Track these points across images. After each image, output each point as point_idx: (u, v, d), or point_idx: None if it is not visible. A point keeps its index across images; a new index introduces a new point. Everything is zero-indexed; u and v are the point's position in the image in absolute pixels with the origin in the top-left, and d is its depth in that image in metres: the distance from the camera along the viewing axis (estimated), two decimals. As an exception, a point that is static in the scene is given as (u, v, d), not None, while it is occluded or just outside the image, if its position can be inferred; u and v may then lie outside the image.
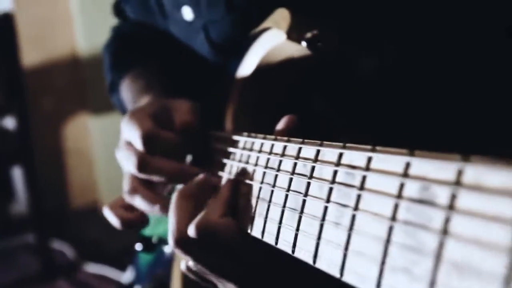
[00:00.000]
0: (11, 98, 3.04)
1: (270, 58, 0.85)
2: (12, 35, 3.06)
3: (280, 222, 0.61)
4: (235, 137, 0.81)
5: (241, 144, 0.78)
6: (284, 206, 0.61)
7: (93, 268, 3.19)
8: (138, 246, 1.08)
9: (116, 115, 3.75)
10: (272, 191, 0.65)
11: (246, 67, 0.89)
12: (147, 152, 0.89)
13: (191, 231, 0.69)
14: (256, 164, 0.71)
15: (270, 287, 0.72)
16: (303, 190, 0.58)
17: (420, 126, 0.73)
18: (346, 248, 0.48)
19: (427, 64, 0.74)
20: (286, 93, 0.88)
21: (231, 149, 0.82)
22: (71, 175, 3.84)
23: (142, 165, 0.88)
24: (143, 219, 0.94)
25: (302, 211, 0.58)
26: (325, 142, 0.57)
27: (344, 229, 0.49)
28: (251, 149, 0.74)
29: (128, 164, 0.91)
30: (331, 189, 0.53)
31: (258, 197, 0.67)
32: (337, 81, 0.82)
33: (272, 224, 0.63)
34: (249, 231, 0.67)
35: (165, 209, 0.88)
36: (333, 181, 0.53)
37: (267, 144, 0.69)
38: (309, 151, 0.60)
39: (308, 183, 0.58)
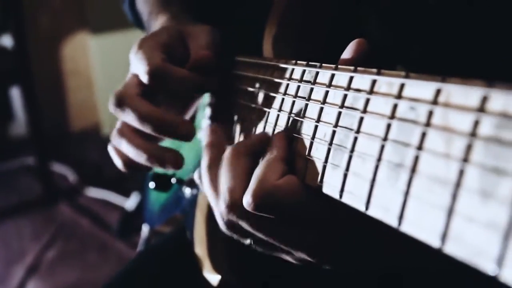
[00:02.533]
0: (7, 16, 2.91)
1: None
2: None
3: (347, 169, 0.50)
4: (279, 65, 0.69)
5: (287, 74, 0.67)
6: (352, 151, 0.50)
7: (94, 192, 3.15)
8: (152, 184, 0.98)
9: (117, 34, 3.69)
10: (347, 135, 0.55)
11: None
12: (154, 90, 0.79)
13: (248, 200, 0.57)
14: (309, 99, 0.60)
15: (344, 251, 0.61)
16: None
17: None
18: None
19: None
20: (337, 17, 0.78)
21: (273, 79, 0.70)
22: (70, 96, 3.75)
23: (121, 102, 0.78)
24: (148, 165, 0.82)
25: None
26: (383, 71, 0.49)
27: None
28: (300, 80, 0.63)
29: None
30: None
31: (330, 144, 0.53)
32: (396, 7, 0.73)
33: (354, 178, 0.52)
34: (311, 184, 0.56)
35: (153, 159, 0.78)
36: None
37: (325, 75, 0.58)
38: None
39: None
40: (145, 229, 1.31)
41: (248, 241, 0.65)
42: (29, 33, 3.23)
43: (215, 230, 0.88)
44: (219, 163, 0.66)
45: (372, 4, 0.77)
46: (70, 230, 2.81)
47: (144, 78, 0.78)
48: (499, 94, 0.35)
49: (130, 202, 2.84)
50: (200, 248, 0.89)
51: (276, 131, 0.66)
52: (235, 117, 0.82)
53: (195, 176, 0.72)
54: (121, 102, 0.78)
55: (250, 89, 0.76)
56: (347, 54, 0.58)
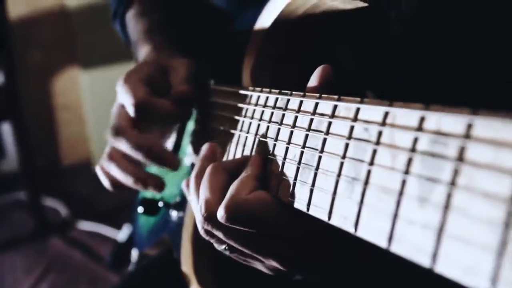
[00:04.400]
0: (-3, 52, 2.96)
1: (293, 8, 0.79)
2: (-3, -14, 2.94)
3: (313, 185, 0.55)
4: (255, 94, 0.75)
5: (261, 101, 0.73)
6: (316, 168, 0.55)
7: (86, 225, 3.16)
8: (140, 209, 1.04)
9: (107, 69, 3.74)
10: (302, 153, 0.60)
11: (267, 17, 0.83)
12: (138, 119, 0.90)
13: (220, 213, 0.62)
14: (281, 123, 0.65)
15: (312, 260, 0.66)
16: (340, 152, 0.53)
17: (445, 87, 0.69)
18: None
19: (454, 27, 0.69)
20: (311, 46, 0.84)
21: (247, 106, 0.77)
22: (62, 131, 3.79)
23: (117, 132, 0.90)
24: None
25: (339, 174, 0.53)
26: (342, 97, 0.54)
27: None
28: (274, 107, 0.68)
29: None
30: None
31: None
32: (367, 36, 0.78)
33: (310, 190, 0.57)
34: (283, 199, 0.61)
35: (138, 182, 0.90)
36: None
37: (295, 102, 0.63)
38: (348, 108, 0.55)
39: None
40: (134, 254, 1.35)
41: (222, 247, 0.71)
42: (20, 68, 3.27)
43: (200, 248, 0.93)
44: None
45: (345, 36, 0.82)
46: (62, 263, 2.82)
47: (130, 110, 0.89)
48: (433, 115, 0.40)
49: (122, 234, 2.85)
50: (186, 265, 0.93)
51: (252, 153, 0.71)
52: (216, 142, 0.88)
53: (183, 184, 0.78)
54: (118, 132, 0.89)
55: (231, 116, 0.82)
56: (313, 80, 0.64)
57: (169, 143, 1.08)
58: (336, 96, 0.55)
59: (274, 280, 0.73)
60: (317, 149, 0.55)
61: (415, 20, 0.71)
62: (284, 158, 0.62)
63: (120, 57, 3.30)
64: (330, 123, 0.54)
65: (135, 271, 1.17)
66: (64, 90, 3.72)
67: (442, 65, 0.71)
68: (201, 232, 0.70)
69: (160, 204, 1.02)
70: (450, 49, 0.70)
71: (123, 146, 0.90)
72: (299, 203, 0.57)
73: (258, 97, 0.73)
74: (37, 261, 2.83)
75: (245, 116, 0.76)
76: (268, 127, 0.68)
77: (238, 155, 0.76)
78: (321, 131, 0.55)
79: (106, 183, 0.94)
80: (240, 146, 0.76)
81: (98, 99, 3.61)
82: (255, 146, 0.71)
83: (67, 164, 3.85)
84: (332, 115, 0.54)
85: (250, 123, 0.74)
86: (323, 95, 0.57)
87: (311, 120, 0.58)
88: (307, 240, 0.63)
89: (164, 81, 0.94)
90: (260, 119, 0.71)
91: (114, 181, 0.93)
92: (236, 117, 0.79)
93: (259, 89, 0.74)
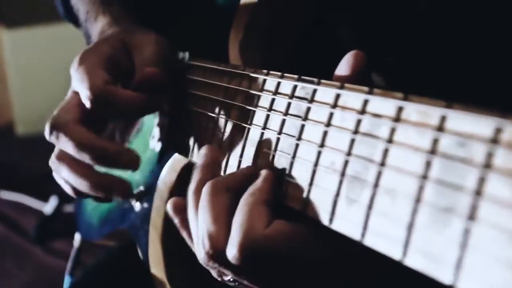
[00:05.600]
0: None
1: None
2: None
3: (370, 207, 0.43)
4: (260, 76, 0.62)
5: (270, 87, 0.60)
6: (376, 186, 0.43)
7: (9, 195, 2.94)
8: None
9: (33, 30, 3.50)
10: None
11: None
12: (95, 111, 0.72)
13: (234, 254, 0.50)
14: (306, 119, 0.52)
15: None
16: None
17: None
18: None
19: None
20: (307, 23, 0.74)
21: (250, 91, 0.63)
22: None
23: (55, 129, 0.72)
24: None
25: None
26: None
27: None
28: (291, 96, 0.56)
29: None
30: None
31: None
32: (369, 14, 0.70)
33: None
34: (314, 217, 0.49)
35: (97, 188, 0.73)
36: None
37: (328, 93, 0.51)
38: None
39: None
40: (77, 238, 1.21)
41: (226, 279, 0.58)
42: None
43: (173, 251, 0.81)
44: None
45: (343, 10, 0.73)
46: (-18, 236, 2.62)
47: (86, 103, 0.71)
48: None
49: (48, 206, 2.68)
50: (157, 269, 0.81)
51: (261, 157, 0.58)
52: (192, 126, 0.76)
53: (170, 206, 0.64)
54: (56, 128, 0.71)
55: (219, 98, 0.69)
56: (344, 68, 0.52)
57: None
58: (400, 94, 0.43)
59: None
60: (373, 160, 0.43)
61: None
62: (316, 165, 0.49)
63: (47, 17, 3.12)
64: (393, 129, 0.42)
65: (94, 268, 1.03)
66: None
67: (462, 48, 0.64)
68: (201, 262, 0.57)
69: None
70: (474, 30, 0.63)
71: (65, 145, 0.71)
72: (346, 226, 0.45)
73: (264, 80, 0.60)
74: (-46, 234, 2.62)
75: (245, 102, 0.63)
76: (283, 121, 0.55)
77: (236, 148, 0.63)
78: (377, 137, 0.43)
79: (67, 190, 0.76)
80: (238, 137, 0.63)
81: (21, 61, 3.38)
82: (261, 141, 0.58)
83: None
84: (397, 119, 0.42)
85: (254, 111, 0.61)
86: (375, 90, 0.46)
87: (359, 121, 0.46)
88: (338, 271, 0.53)
89: (128, 62, 0.77)
90: (270, 109, 0.58)
91: (73, 188, 0.75)
92: (231, 102, 0.66)
93: (264, 71, 0.61)
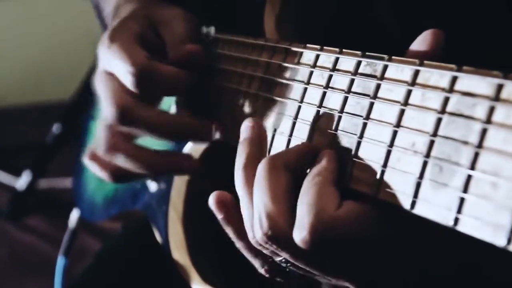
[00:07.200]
0: None
1: None
2: None
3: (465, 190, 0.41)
4: (309, 52, 0.59)
5: (325, 63, 0.57)
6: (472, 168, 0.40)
7: (-21, 170, 2.85)
8: None
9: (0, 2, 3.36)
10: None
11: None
12: (141, 93, 0.69)
13: (304, 237, 0.47)
14: (375, 97, 0.51)
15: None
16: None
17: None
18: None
19: None
20: None
21: (299, 67, 0.60)
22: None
23: (126, 117, 0.69)
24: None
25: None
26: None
27: None
28: (355, 73, 0.53)
29: (106, 109, 0.71)
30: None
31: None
32: None
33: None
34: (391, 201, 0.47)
35: (154, 166, 0.72)
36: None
37: (404, 70, 0.49)
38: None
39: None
40: (73, 218, 1.17)
41: (278, 259, 0.56)
42: None
43: (197, 233, 0.78)
44: (257, 164, 0.54)
45: None
46: (-47, 213, 2.54)
47: (129, 80, 0.68)
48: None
49: (21, 182, 2.60)
50: (180, 254, 0.78)
51: (317, 136, 0.55)
52: (222, 104, 0.73)
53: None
54: (126, 115, 0.69)
55: (259, 74, 0.66)
56: (421, 45, 0.50)
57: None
58: (497, 72, 0.41)
59: None
60: (465, 141, 0.41)
61: None
62: (391, 146, 0.47)
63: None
64: (492, 109, 0.40)
65: (107, 253, 0.99)
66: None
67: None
68: (253, 241, 0.55)
69: None
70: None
71: (139, 130, 0.70)
72: (434, 211, 0.43)
73: (317, 56, 0.58)
74: None
75: (294, 79, 0.60)
76: (346, 99, 0.53)
77: (283, 126, 0.60)
78: (471, 117, 0.41)
79: (106, 176, 0.74)
80: (285, 116, 0.60)
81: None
82: (317, 119, 0.56)
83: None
84: (497, 98, 0.40)
85: (305, 88, 0.58)
86: (465, 68, 0.43)
87: (446, 99, 0.43)
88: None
89: (156, 40, 0.75)
90: (327, 87, 0.55)
91: (119, 173, 0.73)
92: (275, 78, 0.63)
93: (317, 46, 0.59)
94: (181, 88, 0.73)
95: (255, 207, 0.52)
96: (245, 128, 0.59)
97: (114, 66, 0.69)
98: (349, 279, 0.52)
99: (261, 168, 0.53)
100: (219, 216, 0.59)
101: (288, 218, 0.50)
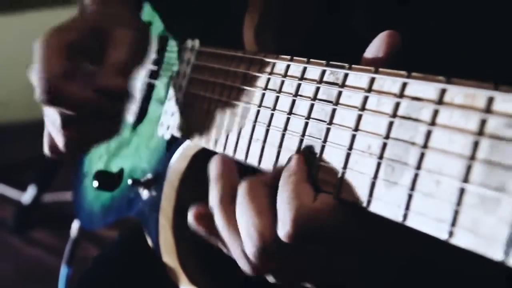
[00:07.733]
0: None
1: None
2: None
3: (412, 188, 0.44)
4: (280, 62, 0.63)
5: (295, 72, 0.61)
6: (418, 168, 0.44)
7: (-16, 185, 2.88)
8: (95, 183, 0.91)
9: None
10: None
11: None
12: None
13: (287, 231, 0.50)
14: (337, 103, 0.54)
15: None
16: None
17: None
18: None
19: None
20: (320, 9, 0.75)
21: (271, 77, 0.64)
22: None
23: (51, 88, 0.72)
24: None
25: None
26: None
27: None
28: (320, 81, 0.56)
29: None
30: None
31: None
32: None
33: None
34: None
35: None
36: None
37: (361, 78, 0.52)
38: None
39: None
40: (74, 228, 1.20)
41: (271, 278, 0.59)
42: None
43: (185, 239, 0.81)
44: (231, 197, 0.58)
45: None
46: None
47: (38, 95, 0.72)
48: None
49: (27, 196, 2.63)
50: (169, 257, 0.81)
51: (288, 142, 0.59)
52: (206, 114, 0.76)
53: (193, 216, 0.63)
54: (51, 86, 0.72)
55: (237, 85, 0.69)
56: (375, 50, 0.53)
57: (131, 110, 0.93)
58: (442, 78, 0.44)
59: None
60: (414, 143, 0.44)
61: None
62: (350, 149, 0.50)
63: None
64: (436, 111, 0.43)
65: (102, 259, 1.02)
66: None
67: (474, 34, 0.66)
68: (248, 269, 0.58)
69: (129, 181, 0.88)
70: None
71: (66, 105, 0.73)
72: (386, 208, 0.46)
73: (288, 66, 0.61)
74: None
75: (267, 88, 0.63)
76: (312, 106, 0.56)
77: (258, 134, 0.63)
78: (418, 120, 0.44)
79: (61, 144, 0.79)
80: (260, 123, 0.63)
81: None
82: (287, 126, 0.59)
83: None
84: (440, 101, 0.43)
85: (277, 97, 0.61)
86: (413, 74, 0.47)
87: (397, 104, 0.47)
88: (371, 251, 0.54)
89: (97, 48, 0.75)
90: (296, 95, 0.59)
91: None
92: (250, 88, 0.66)
93: (287, 57, 0.62)
94: (86, 111, 0.74)
95: (243, 228, 0.55)
96: (213, 166, 0.62)
97: (37, 62, 0.72)
98: (338, 276, 0.56)
99: (241, 191, 0.56)
100: (200, 230, 0.62)
101: (274, 226, 0.52)
